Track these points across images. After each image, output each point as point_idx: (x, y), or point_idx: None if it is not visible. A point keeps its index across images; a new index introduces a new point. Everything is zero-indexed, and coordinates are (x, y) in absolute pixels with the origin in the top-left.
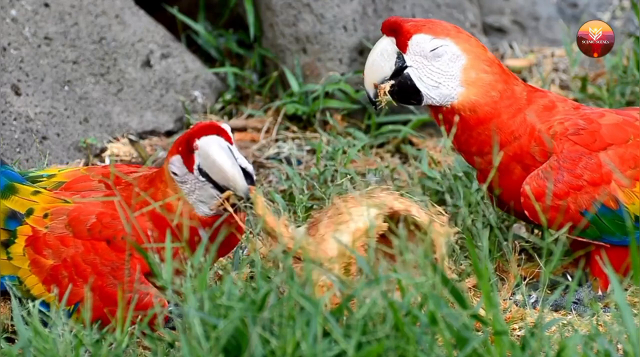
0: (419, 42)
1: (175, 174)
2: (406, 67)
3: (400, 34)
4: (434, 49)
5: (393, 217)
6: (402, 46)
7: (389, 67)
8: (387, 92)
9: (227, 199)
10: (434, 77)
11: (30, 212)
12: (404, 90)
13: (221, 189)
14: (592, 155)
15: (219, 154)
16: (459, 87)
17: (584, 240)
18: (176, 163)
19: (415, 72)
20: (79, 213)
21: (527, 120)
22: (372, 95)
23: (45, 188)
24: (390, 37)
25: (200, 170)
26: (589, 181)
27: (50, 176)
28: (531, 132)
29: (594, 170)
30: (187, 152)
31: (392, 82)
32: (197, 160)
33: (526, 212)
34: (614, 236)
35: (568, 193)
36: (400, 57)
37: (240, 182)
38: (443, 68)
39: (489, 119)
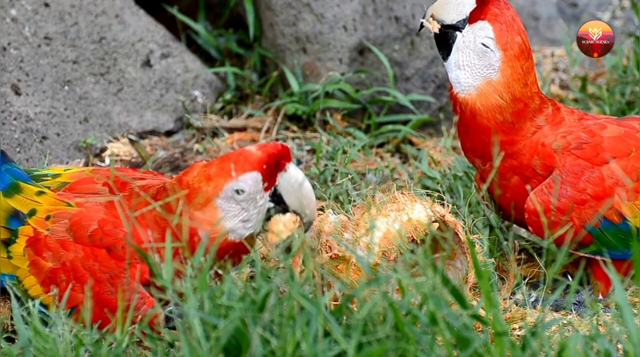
0: (481, 29)
1: (239, 192)
2: (461, 31)
3: (480, 7)
4: (484, 45)
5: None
6: (472, 17)
7: (451, 19)
8: (435, 31)
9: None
10: (465, 60)
11: (32, 212)
12: (445, 42)
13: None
14: (595, 169)
15: (306, 179)
16: (472, 88)
17: (588, 256)
18: (250, 181)
19: (460, 42)
20: (81, 218)
21: (529, 141)
22: (425, 19)
23: (49, 188)
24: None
25: (274, 191)
26: (592, 194)
27: (55, 176)
28: (535, 147)
29: (597, 184)
30: (274, 172)
31: (437, 32)
32: (279, 181)
33: (530, 228)
34: (617, 250)
35: (572, 208)
36: (465, 21)
37: (315, 210)
38: (475, 63)
39: (486, 130)
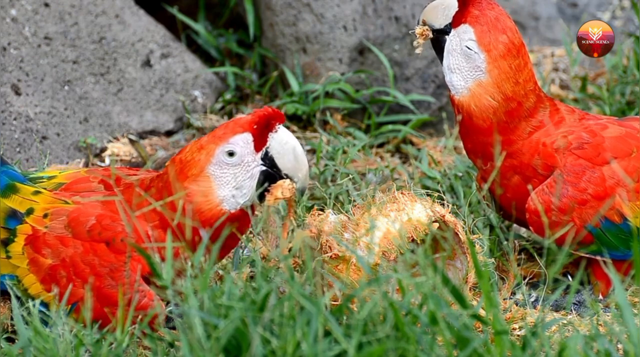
0: (464, 32)
1: (231, 154)
2: (448, 34)
3: (462, 11)
4: (468, 48)
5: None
6: (455, 20)
7: (439, 24)
8: (426, 36)
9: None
10: (455, 63)
11: (30, 211)
12: (439, 47)
13: (273, 178)
14: (596, 169)
15: (297, 142)
16: (465, 90)
17: (588, 256)
18: (241, 142)
19: (449, 46)
20: (78, 214)
21: (529, 141)
22: (419, 23)
23: (45, 188)
24: (459, 3)
25: (266, 153)
26: (594, 194)
27: (50, 178)
28: (535, 146)
29: (598, 184)
30: (264, 132)
31: (431, 35)
32: (269, 142)
33: (531, 227)
34: (617, 250)
35: (573, 208)
36: (451, 25)
37: (308, 175)
38: (464, 66)
39: (483, 131)
